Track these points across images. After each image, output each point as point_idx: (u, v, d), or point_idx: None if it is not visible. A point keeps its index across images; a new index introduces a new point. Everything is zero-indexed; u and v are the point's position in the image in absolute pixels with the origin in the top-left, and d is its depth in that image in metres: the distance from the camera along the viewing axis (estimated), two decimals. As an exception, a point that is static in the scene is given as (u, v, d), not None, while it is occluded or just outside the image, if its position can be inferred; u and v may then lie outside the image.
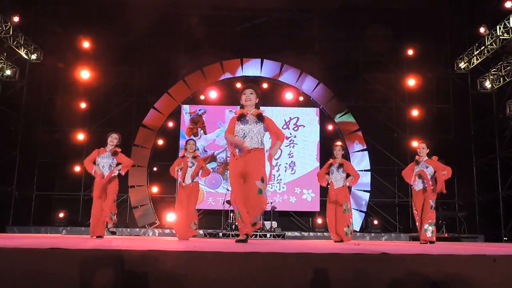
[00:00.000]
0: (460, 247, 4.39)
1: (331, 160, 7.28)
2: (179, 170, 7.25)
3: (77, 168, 12.50)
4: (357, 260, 2.16)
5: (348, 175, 7.16)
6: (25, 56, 11.80)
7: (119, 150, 6.86)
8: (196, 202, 7.38)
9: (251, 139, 4.55)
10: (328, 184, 7.23)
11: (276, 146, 4.61)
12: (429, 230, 6.91)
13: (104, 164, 6.68)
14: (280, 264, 2.12)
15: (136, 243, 3.44)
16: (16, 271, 1.99)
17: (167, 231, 11.08)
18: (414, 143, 12.59)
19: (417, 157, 7.30)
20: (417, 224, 7.27)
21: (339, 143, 7.51)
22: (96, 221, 6.67)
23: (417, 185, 7.21)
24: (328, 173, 7.25)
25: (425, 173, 7.06)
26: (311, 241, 7.55)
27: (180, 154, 7.48)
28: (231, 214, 10.87)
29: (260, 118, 4.68)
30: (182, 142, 12.54)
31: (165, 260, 2.15)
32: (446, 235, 10.97)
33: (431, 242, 6.82)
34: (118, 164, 6.79)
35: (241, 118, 4.68)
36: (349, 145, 12.49)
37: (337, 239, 7.02)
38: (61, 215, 11.65)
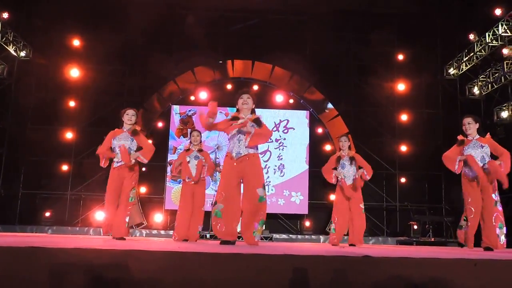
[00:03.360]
0: (442, 251, 4.41)
1: (338, 153, 6.60)
2: (179, 165, 6.32)
3: (65, 167, 12.41)
4: (340, 263, 2.16)
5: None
6: (14, 53, 11.69)
7: (139, 128, 5.78)
8: (203, 200, 6.38)
9: (247, 143, 4.51)
10: (338, 180, 6.42)
11: (253, 135, 4.48)
12: (502, 234, 5.22)
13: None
14: (263, 265, 2.12)
15: (117, 243, 3.42)
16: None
17: (155, 231, 11.05)
18: (403, 148, 12.71)
19: (459, 137, 5.63)
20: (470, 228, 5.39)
21: (344, 135, 6.79)
22: (111, 219, 5.66)
23: (469, 172, 5.43)
24: (335, 168, 6.54)
25: (474, 159, 5.31)
26: (297, 244, 7.37)
27: (185, 147, 6.66)
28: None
29: (257, 122, 4.60)
30: (171, 143, 12.52)
31: (146, 260, 2.13)
32: (432, 239, 11.04)
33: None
34: (139, 148, 5.71)
35: (235, 120, 4.65)
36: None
37: (352, 242, 6.32)
38: (47, 214, 11.56)
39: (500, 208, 5.26)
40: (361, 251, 2.67)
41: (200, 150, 6.44)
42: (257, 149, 4.65)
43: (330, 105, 12.87)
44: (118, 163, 5.61)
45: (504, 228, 5.24)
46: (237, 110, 4.78)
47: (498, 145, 5.38)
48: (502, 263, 2.25)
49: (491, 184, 5.27)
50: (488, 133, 5.52)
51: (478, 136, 5.47)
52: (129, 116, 5.72)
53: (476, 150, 5.38)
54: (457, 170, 5.49)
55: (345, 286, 2.12)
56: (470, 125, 5.49)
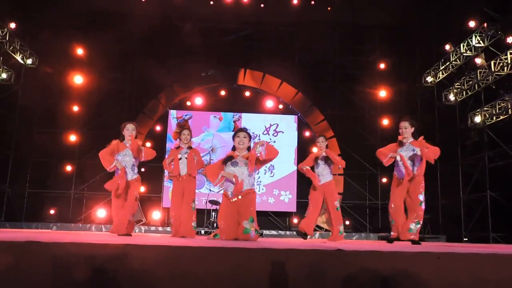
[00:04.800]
0: (410, 245, 4.46)
1: (315, 153, 6.18)
2: (171, 162, 6.05)
3: (69, 168, 12.39)
4: (314, 256, 2.20)
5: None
6: (21, 61, 11.67)
7: (140, 143, 5.63)
8: (192, 196, 6.03)
9: (241, 181, 4.59)
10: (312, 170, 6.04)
11: (262, 147, 4.61)
12: (415, 229, 5.31)
13: (126, 163, 5.50)
14: (242, 258, 2.15)
15: (111, 238, 3.43)
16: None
17: (153, 228, 11.05)
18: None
19: (400, 137, 5.53)
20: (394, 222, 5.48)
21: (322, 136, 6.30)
22: (118, 221, 5.52)
23: (399, 173, 5.48)
24: (312, 167, 6.15)
25: (404, 159, 5.33)
26: (280, 239, 7.05)
27: (175, 145, 6.40)
28: (213, 213, 10.87)
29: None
30: (169, 145, 12.51)
31: (140, 253, 2.16)
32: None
33: (416, 242, 5.14)
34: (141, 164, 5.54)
35: (230, 160, 4.69)
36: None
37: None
38: (52, 212, 11.53)
39: (423, 207, 5.34)
40: (335, 245, 2.72)
41: (189, 148, 6.20)
42: (253, 185, 4.72)
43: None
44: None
45: (419, 225, 5.31)
46: (233, 148, 4.80)
47: (430, 145, 5.37)
48: (463, 256, 2.30)
49: (419, 185, 5.31)
50: (422, 136, 5.43)
51: (412, 140, 5.44)
52: (129, 132, 5.58)
53: (408, 152, 5.38)
54: (385, 163, 5.51)
55: (319, 278, 2.16)
56: (407, 129, 5.46)
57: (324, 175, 6.05)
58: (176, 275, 2.11)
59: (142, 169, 12.58)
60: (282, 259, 2.15)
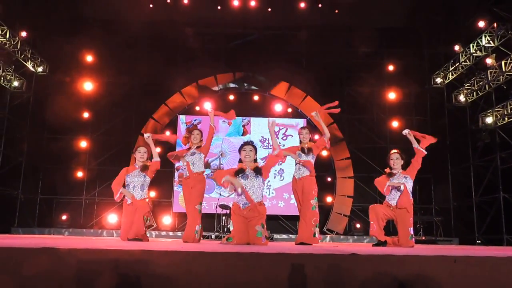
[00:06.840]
0: (425, 248, 4.42)
1: (298, 146, 5.90)
2: (179, 159, 5.80)
3: (80, 173, 12.48)
4: (329, 260, 2.19)
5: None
6: (32, 69, 11.80)
7: (149, 163, 5.67)
8: (198, 197, 5.56)
9: (252, 193, 4.73)
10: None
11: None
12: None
13: (136, 184, 5.52)
14: (258, 263, 2.14)
15: (125, 244, 3.44)
16: (9, 269, 2.00)
17: (163, 233, 11.07)
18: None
19: (387, 170, 5.85)
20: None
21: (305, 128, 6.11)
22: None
23: (393, 199, 5.74)
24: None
25: (406, 187, 5.65)
26: (291, 243, 6.33)
27: (188, 145, 5.96)
28: (223, 217, 10.88)
29: (257, 171, 4.82)
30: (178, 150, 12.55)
31: (149, 260, 2.16)
32: (423, 238, 11.02)
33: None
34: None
35: (240, 172, 4.81)
36: (334, 154, 12.55)
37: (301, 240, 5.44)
38: (64, 217, 11.60)
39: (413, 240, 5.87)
40: (349, 249, 2.70)
41: (198, 147, 5.81)
42: (263, 197, 4.88)
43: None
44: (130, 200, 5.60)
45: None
46: (240, 161, 4.95)
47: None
48: (479, 260, 2.27)
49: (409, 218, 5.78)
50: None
51: (402, 170, 5.77)
52: (141, 154, 5.72)
53: (400, 180, 5.69)
54: (385, 193, 5.81)
55: (336, 283, 2.14)
56: (398, 161, 5.75)
57: (303, 169, 5.71)
58: (192, 281, 2.11)
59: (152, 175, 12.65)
60: (299, 264, 2.14)
